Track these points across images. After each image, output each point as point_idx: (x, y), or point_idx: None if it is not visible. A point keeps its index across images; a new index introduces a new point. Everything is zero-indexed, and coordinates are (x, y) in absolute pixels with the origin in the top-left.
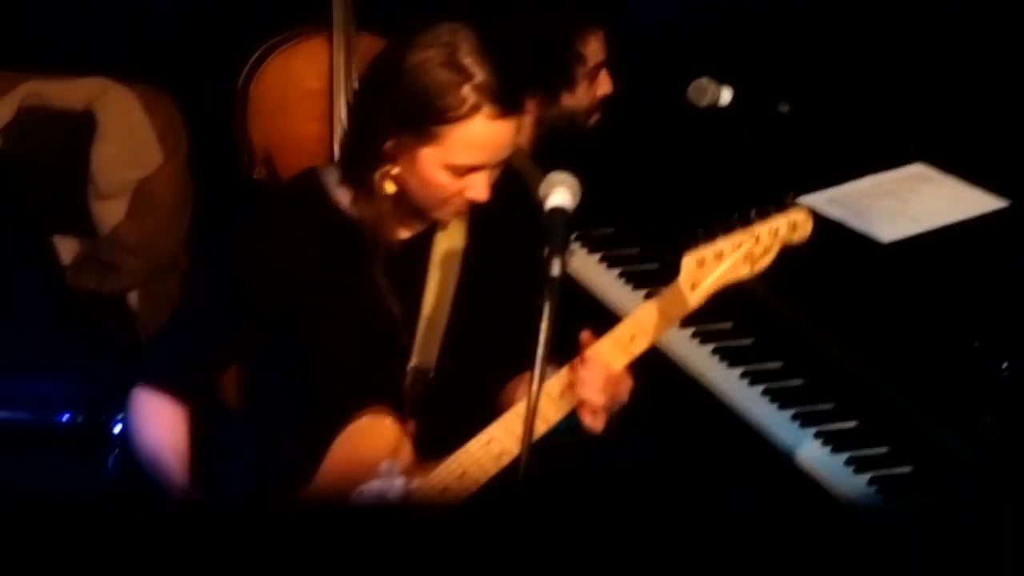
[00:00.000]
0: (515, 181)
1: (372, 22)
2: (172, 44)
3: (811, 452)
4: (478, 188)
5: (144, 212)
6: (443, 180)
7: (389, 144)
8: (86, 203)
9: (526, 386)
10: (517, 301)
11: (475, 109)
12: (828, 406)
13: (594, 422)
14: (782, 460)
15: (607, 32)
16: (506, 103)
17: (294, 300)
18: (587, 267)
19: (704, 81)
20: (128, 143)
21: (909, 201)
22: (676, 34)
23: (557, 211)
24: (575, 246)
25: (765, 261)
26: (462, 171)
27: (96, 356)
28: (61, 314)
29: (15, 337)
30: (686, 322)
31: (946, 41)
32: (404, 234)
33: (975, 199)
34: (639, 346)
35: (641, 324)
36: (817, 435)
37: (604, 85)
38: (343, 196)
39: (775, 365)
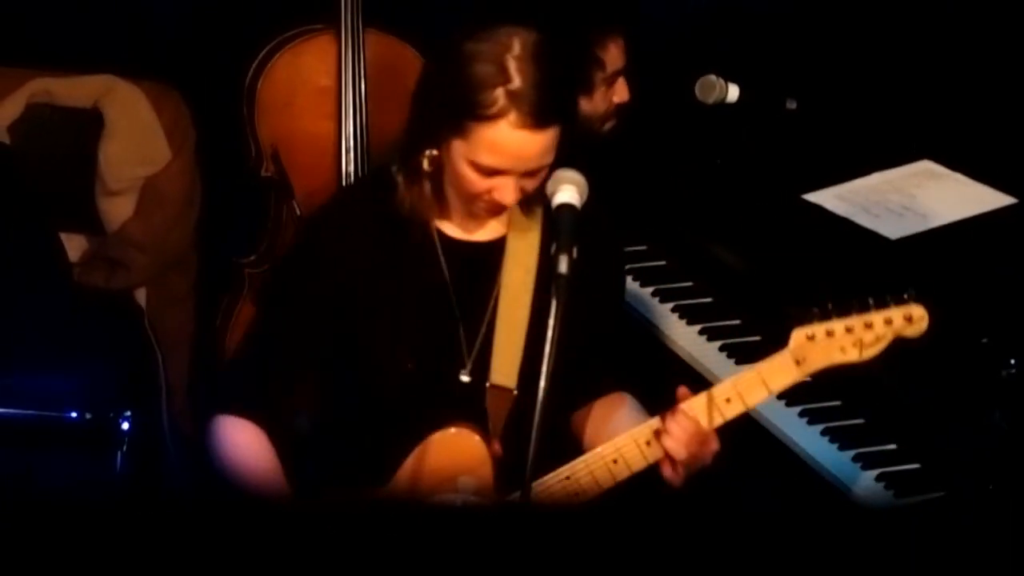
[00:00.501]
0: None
1: (380, 19)
2: (180, 41)
3: (819, 449)
4: (502, 192)
5: (152, 209)
6: (469, 176)
7: (433, 127)
8: (94, 200)
9: (614, 422)
10: (593, 319)
11: (501, 113)
12: (836, 403)
13: (673, 476)
14: (790, 457)
15: (627, 39)
16: (535, 117)
17: (362, 298)
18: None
19: (711, 78)
20: (136, 140)
21: (916, 198)
22: (683, 31)
23: (565, 208)
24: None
25: (875, 349)
26: (486, 171)
27: (104, 353)
28: (69, 311)
29: (23, 334)
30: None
31: (952, 38)
32: (474, 236)
33: (982, 196)
34: (733, 409)
35: (740, 388)
36: (824, 432)
37: (621, 92)
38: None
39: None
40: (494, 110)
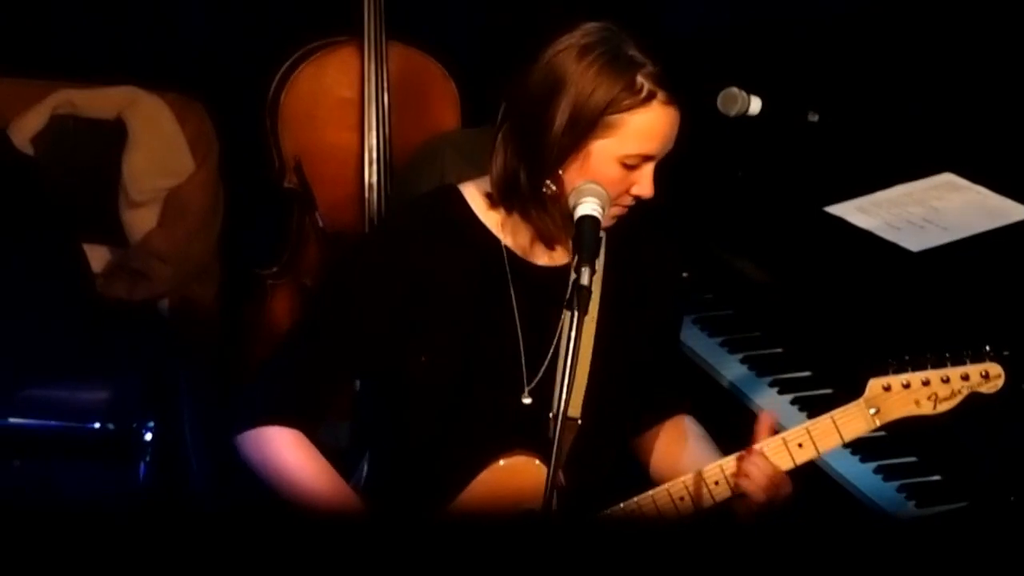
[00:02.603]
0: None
1: (402, 31)
2: (203, 53)
3: (841, 461)
4: (645, 183)
5: (175, 220)
6: (614, 175)
7: (562, 148)
8: (117, 211)
9: (685, 457)
10: (657, 347)
11: (651, 95)
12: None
13: (748, 516)
14: (813, 469)
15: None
16: (675, 90)
17: (424, 311)
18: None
19: (734, 90)
20: (159, 151)
21: (938, 210)
22: (706, 43)
23: (587, 220)
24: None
25: (949, 404)
26: (635, 162)
27: (127, 364)
28: (92, 322)
29: (46, 345)
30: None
31: (974, 51)
32: (543, 260)
33: (1004, 208)
34: (804, 455)
35: (813, 434)
36: (846, 445)
37: None
38: (488, 216)
39: (804, 375)
40: (643, 95)
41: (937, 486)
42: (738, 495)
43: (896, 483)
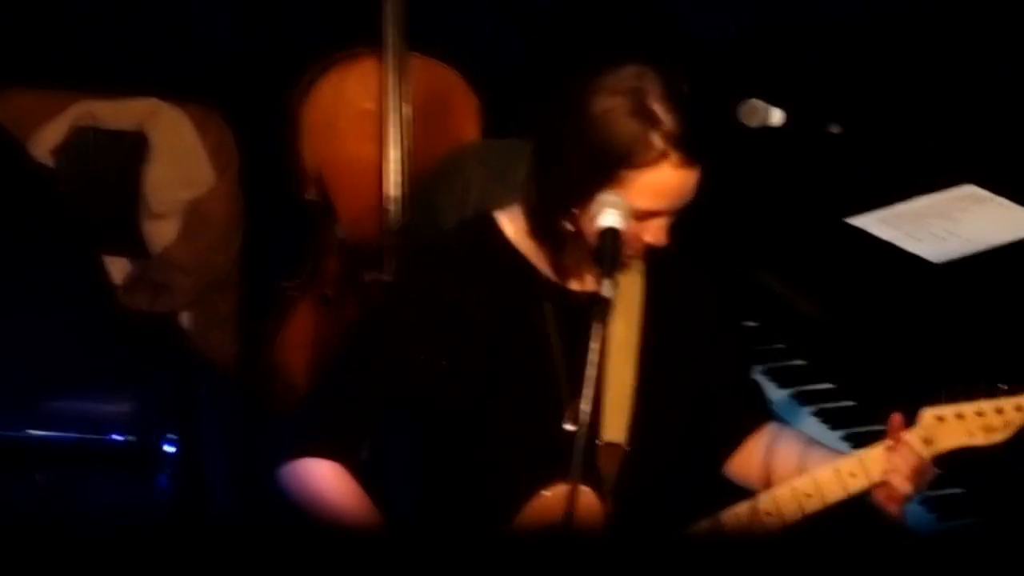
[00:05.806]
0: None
1: (423, 43)
2: (224, 64)
3: None
4: (657, 233)
5: (196, 232)
6: None
7: (576, 187)
8: (138, 223)
9: (811, 460)
10: (702, 369)
11: (663, 156)
12: (880, 428)
13: (892, 506)
14: None
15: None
16: (693, 151)
17: (461, 343)
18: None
19: (755, 102)
20: (180, 163)
21: (960, 222)
22: (727, 55)
23: (609, 231)
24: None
25: (1002, 434)
26: (642, 215)
27: (148, 376)
28: (113, 334)
29: (67, 357)
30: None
31: (997, 62)
32: (577, 286)
33: None
34: (857, 484)
35: (866, 462)
36: None
37: None
38: (523, 243)
39: (826, 386)
40: (653, 155)
41: (959, 499)
42: (876, 486)
43: (917, 495)
